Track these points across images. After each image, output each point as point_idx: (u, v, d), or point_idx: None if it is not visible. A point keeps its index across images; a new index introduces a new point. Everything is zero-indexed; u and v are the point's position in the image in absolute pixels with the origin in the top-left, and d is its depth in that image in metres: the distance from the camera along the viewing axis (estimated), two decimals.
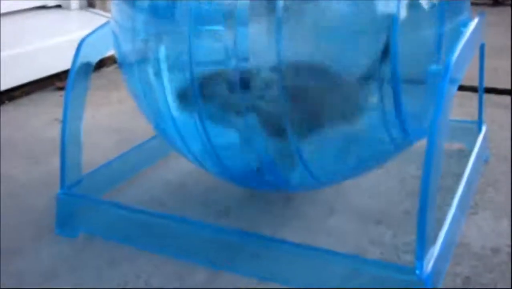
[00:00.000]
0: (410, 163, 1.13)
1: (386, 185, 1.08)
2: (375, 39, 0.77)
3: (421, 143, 0.92)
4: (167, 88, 0.85)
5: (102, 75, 1.83)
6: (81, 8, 1.93)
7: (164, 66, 0.85)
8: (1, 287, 0.85)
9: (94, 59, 1.01)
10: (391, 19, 0.76)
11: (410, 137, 0.89)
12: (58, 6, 1.93)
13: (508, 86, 1.54)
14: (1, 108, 1.59)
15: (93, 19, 1.86)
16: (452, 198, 0.92)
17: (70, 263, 0.90)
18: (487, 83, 1.17)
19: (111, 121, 1.46)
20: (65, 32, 1.76)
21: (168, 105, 0.85)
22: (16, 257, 0.91)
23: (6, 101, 1.61)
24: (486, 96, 1.20)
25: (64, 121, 0.97)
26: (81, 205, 0.97)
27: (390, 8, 0.76)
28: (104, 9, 1.95)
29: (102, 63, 1.88)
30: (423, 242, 0.74)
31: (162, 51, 0.86)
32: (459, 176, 1.00)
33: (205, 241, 0.88)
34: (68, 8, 1.91)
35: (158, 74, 0.85)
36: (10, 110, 1.58)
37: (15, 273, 0.88)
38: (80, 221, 0.97)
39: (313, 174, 0.87)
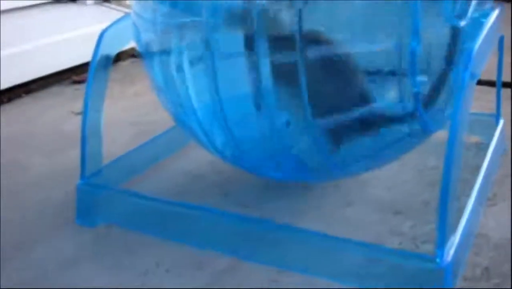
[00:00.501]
0: (427, 155, 1.12)
1: (403, 176, 1.08)
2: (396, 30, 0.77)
3: (437, 136, 0.93)
4: (189, 79, 0.85)
5: (118, 69, 1.83)
6: (96, 2, 1.94)
7: (186, 57, 0.86)
8: (24, 275, 0.86)
9: (114, 51, 1.01)
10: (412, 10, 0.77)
11: (429, 129, 0.89)
12: (73, 0, 1.94)
13: None
14: (18, 101, 1.60)
15: (108, 13, 1.87)
16: (470, 190, 0.92)
17: (90, 251, 0.91)
18: (504, 77, 1.16)
19: (128, 114, 1.46)
20: (81, 26, 1.77)
21: (190, 97, 0.86)
22: (37, 246, 0.92)
23: (23, 94, 1.62)
24: (502, 90, 1.19)
25: (84, 112, 0.98)
26: (101, 195, 0.98)
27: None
28: (119, 3, 1.96)
29: (118, 57, 1.89)
30: (443, 230, 0.74)
31: (184, 41, 0.86)
32: (477, 168, 1.00)
33: (225, 229, 0.89)
34: (83, 2, 1.92)
35: (179, 65, 0.86)
36: (27, 103, 1.59)
37: (37, 261, 0.89)
38: (100, 211, 0.98)
39: (335, 163, 0.88)
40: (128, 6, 1.98)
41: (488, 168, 1.00)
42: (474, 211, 0.89)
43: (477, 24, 0.82)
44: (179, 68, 0.86)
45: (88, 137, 0.98)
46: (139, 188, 1.05)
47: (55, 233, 0.96)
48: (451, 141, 0.74)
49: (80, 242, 0.93)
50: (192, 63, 0.85)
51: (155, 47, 0.92)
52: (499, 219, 0.96)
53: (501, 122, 1.15)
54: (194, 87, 0.85)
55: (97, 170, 1.00)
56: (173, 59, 0.88)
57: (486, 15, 0.86)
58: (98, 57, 0.99)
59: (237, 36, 0.82)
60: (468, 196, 0.91)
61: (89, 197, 0.98)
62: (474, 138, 1.20)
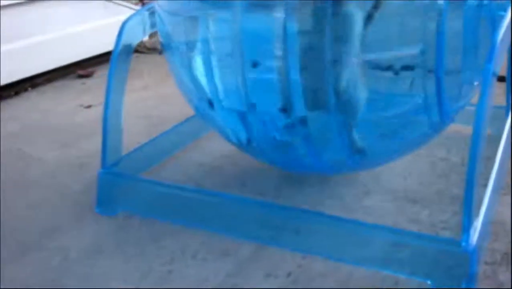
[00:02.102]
0: (438, 147, 1.15)
1: (417, 167, 1.10)
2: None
3: (448, 128, 0.95)
4: (215, 71, 0.86)
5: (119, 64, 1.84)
6: None
7: (211, 47, 0.87)
8: (48, 263, 0.86)
9: (134, 42, 1.02)
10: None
11: (447, 120, 0.90)
12: None
13: None
14: (25, 95, 1.60)
15: (114, 8, 1.88)
16: (486, 179, 0.94)
17: (114, 239, 0.92)
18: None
19: (138, 108, 1.47)
20: (86, 20, 1.78)
21: (217, 88, 0.87)
22: (59, 234, 0.93)
23: (29, 88, 1.62)
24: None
25: (106, 102, 0.98)
26: (123, 184, 0.98)
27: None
28: None
29: None
30: (469, 214, 0.76)
31: (210, 32, 0.87)
32: (489, 159, 1.02)
33: (248, 216, 0.90)
34: None
35: (206, 58, 0.87)
36: (34, 96, 1.59)
37: (60, 248, 0.89)
38: (120, 199, 0.98)
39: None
40: (131, 1, 1.99)
41: (501, 159, 1.02)
42: (491, 199, 0.91)
43: (496, 16, 0.84)
44: (206, 61, 0.87)
45: (109, 127, 0.98)
46: (157, 178, 1.06)
47: (76, 222, 0.97)
48: (477, 131, 0.76)
49: (102, 230, 0.94)
50: (219, 57, 0.86)
51: (179, 39, 0.92)
52: None
53: (511, 114, 1.17)
54: (221, 81, 0.86)
55: (117, 160, 1.00)
56: (199, 52, 0.89)
57: (504, 7, 0.87)
58: (119, 48, 0.99)
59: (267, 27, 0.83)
60: (484, 185, 0.92)
61: (110, 185, 0.99)
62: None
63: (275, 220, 0.88)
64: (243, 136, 0.90)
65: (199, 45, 0.87)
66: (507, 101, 1.16)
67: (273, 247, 0.87)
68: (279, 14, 0.79)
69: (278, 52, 0.80)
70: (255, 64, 0.82)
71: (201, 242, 0.89)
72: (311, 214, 0.89)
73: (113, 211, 0.98)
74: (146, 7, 1.04)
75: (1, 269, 0.85)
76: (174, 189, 0.95)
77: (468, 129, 1.10)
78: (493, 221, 0.93)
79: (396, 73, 0.83)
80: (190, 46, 0.90)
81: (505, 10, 0.87)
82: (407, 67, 0.83)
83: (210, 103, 0.89)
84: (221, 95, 0.87)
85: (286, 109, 0.83)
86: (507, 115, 1.16)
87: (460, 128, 1.04)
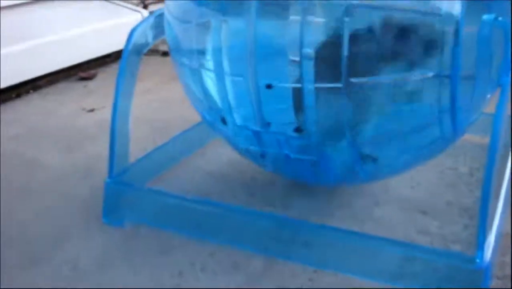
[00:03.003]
0: (446, 156, 1.14)
1: (425, 177, 1.10)
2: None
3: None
4: (229, 88, 0.85)
5: None
6: None
7: (221, 55, 0.86)
8: (58, 274, 0.85)
9: (143, 49, 1.01)
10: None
11: (460, 133, 0.90)
12: None
13: None
14: (26, 97, 1.59)
15: (114, 10, 1.87)
16: (497, 191, 0.94)
17: (122, 251, 0.91)
18: None
19: (140, 112, 1.45)
20: (86, 22, 1.77)
21: (227, 96, 0.86)
22: (67, 244, 0.92)
23: (31, 91, 1.61)
24: None
25: (114, 110, 0.97)
26: (130, 194, 0.97)
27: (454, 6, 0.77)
28: None
29: (121, 55, 1.88)
30: (484, 231, 0.75)
31: (222, 42, 0.86)
32: (499, 169, 1.02)
33: (256, 228, 0.89)
34: None
35: (217, 62, 0.86)
36: (35, 99, 1.58)
37: (69, 259, 0.89)
38: (127, 210, 0.98)
39: (366, 168, 0.89)
40: (132, 2, 1.98)
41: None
42: (502, 212, 0.90)
43: (505, 26, 0.84)
44: (219, 78, 0.86)
45: (116, 136, 0.97)
46: (164, 187, 1.04)
47: (83, 231, 0.96)
48: (493, 146, 0.75)
49: (109, 241, 0.93)
50: (231, 63, 0.85)
51: (187, 43, 0.91)
52: None
53: None
54: (234, 98, 0.85)
55: (124, 169, 0.99)
56: (208, 59, 0.88)
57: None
58: (127, 56, 0.98)
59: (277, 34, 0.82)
60: (496, 197, 0.92)
61: (117, 195, 0.98)
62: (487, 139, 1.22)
63: (285, 233, 0.87)
64: (256, 151, 0.90)
65: (210, 60, 0.86)
66: None
67: (283, 260, 0.86)
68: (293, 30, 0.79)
69: (293, 72, 0.79)
70: (269, 86, 0.81)
71: (210, 254, 0.89)
72: (321, 228, 0.88)
73: (120, 221, 0.97)
74: (156, 13, 1.03)
75: (12, 279, 0.84)
76: (182, 200, 0.94)
77: (474, 138, 1.11)
78: (504, 233, 0.92)
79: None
80: (201, 60, 0.88)
81: None
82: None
83: (223, 120, 0.88)
84: (235, 112, 0.86)
85: (300, 130, 0.83)
86: None
87: (467, 137, 1.03)
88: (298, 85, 0.79)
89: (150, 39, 1.04)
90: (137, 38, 0.99)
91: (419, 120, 0.87)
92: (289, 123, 0.84)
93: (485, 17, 0.82)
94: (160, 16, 1.01)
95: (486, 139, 1.20)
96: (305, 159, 0.86)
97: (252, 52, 0.81)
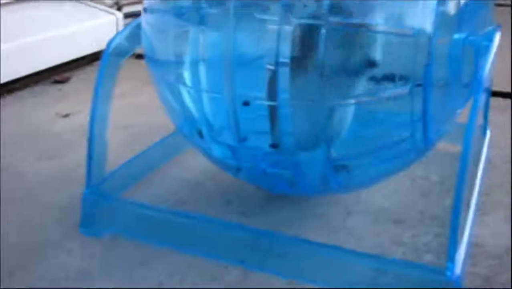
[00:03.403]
0: (417, 165, 1.15)
1: (397, 186, 1.12)
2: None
3: None
4: (206, 103, 0.86)
5: (97, 69, 1.82)
6: None
7: (199, 69, 0.87)
8: (36, 287, 0.86)
9: (122, 59, 1.01)
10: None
11: (431, 144, 0.92)
12: None
13: (501, 88, 1.59)
14: (1, 101, 1.58)
15: (88, 12, 1.86)
16: (467, 201, 0.96)
17: (101, 262, 0.92)
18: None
19: (117, 116, 1.43)
20: (60, 24, 1.76)
21: (204, 110, 0.87)
22: (45, 256, 0.93)
23: (5, 94, 1.60)
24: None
25: (91, 123, 0.98)
26: (107, 205, 0.98)
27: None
28: (98, 1, 1.94)
29: (95, 57, 1.88)
30: (455, 244, 0.78)
31: (196, 52, 0.87)
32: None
33: (232, 240, 0.91)
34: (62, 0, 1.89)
35: (194, 77, 0.87)
36: (10, 103, 1.57)
37: (47, 271, 0.89)
38: (105, 221, 0.98)
39: (339, 179, 0.91)
40: (106, 4, 1.97)
41: (481, 180, 1.05)
42: (472, 222, 0.93)
43: (482, 47, 0.86)
44: (194, 84, 0.87)
45: (94, 147, 0.98)
46: (141, 197, 1.06)
47: (61, 243, 0.96)
48: (464, 157, 0.78)
49: (88, 252, 0.94)
50: (208, 78, 0.86)
51: (166, 60, 0.92)
52: (492, 228, 1.00)
53: (488, 133, 1.20)
54: (211, 113, 0.87)
55: (101, 179, 1.00)
56: (185, 71, 0.89)
57: (488, 37, 0.89)
58: (105, 67, 0.98)
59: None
60: (467, 206, 0.95)
61: (95, 206, 0.98)
62: (459, 147, 1.25)
63: (260, 244, 0.89)
64: (232, 164, 0.91)
65: (187, 72, 0.87)
66: (484, 119, 1.19)
67: (260, 272, 0.88)
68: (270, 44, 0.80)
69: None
70: (246, 103, 0.82)
71: (189, 265, 0.90)
72: (296, 240, 0.90)
73: (98, 232, 0.98)
74: (134, 22, 1.03)
75: None
76: (159, 212, 0.96)
77: (445, 147, 1.13)
78: (473, 243, 0.95)
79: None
80: (178, 71, 0.89)
81: (489, 40, 0.89)
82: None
83: (199, 133, 0.89)
84: (211, 127, 0.88)
85: (276, 145, 0.84)
86: (484, 134, 1.19)
87: (437, 145, 1.06)
88: (274, 103, 0.80)
89: (130, 50, 1.04)
90: (116, 45, 0.99)
91: (391, 132, 0.89)
92: (265, 138, 0.86)
93: (456, 36, 0.84)
94: (138, 25, 1.02)
95: (456, 148, 1.23)
96: (281, 172, 0.88)
97: (229, 67, 0.82)
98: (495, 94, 1.56)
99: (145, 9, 0.95)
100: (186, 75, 0.88)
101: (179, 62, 0.90)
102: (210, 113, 0.87)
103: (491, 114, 1.42)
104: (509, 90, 1.61)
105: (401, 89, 0.80)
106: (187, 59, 0.88)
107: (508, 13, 2.52)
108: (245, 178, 0.96)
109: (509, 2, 2.69)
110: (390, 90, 0.81)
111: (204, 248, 0.92)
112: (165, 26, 0.91)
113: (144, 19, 0.96)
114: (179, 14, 0.88)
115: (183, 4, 0.88)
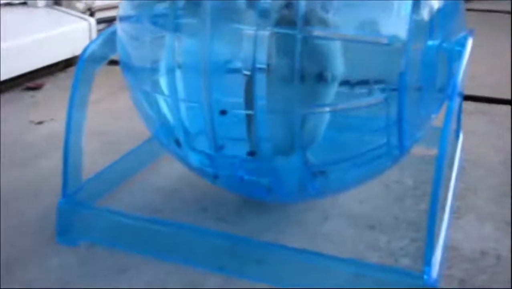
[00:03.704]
0: (391, 169, 1.17)
1: (372, 190, 1.13)
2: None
3: None
4: (182, 112, 0.86)
5: (70, 76, 1.81)
6: (47, 5, 1.90)
7: (175, 77, 0.87)
8: None
9: (97, 66, 1.01)
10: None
11: (406, 150, 0.93)
12: (24, 3, 1.90)
13: (472, 92, 1.62)
14: None
15: (61, 17, 1.84)
16: (442, 204, 0.98)
17: (78, 272, 0.91)
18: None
19: (91, 123, 1.43)
20: (32, 30, 1.74)
21: (184, 128, 0.87)
22: (21, 267, 0.91)
23: None
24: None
25: (67, 130, 0.97)
26: (83, 214, 0.97)
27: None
28: (71, 6, 1.93)
29: (69, 63, 1.86)
30: (431, 247, 0.79)
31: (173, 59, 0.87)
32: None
33: (210, 247, 0.91)
34: (34, 5, 1.88)
35: (170, 85, 0.87)
36: None
37: (24, 284, 0.88)
38: (81, 229, 0.97)
39: (316, 185, 0.91)
40: (79, 10, 1.96)
41: (455, 183, 1.07)
42: (448, 225, 0.95)
43: (455, 53, 0.88)
44: (170, 92, 0.87)
45: (69, 155, 0.97)
46: (116, 204, 1.05)
47: (36, 253, 0.95)
48: (439, 163, 0.79)
49: (65, 262, 0.93)
50: (185, 87, 0.86)
51: (142, 68, 0.92)
52: (466, 231, 1.02)
53: (461, 137, 1.21)
54: (188, 121, 0.87)
55: (77, 188, 0.99)
56: (161, 79, 0.89)
57: (461, 43, 0.91)
58: (81, 72, 0.97)
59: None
60: (442, 210, 0.96)
61: (71, 215, 0.98)
62: (435, 151, 1.26)
63: (238, 251, 0.89)
64: (209, 172, 0.91)
65: (163, 80, 0.87)
66: (458, 124, 1.21)
67: (240, 279, 0.88)
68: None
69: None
70: (223, 112, 0.83)
71: (168, 273, 0.90)
72: (274, 246, 0.90)
73: (75, 241, 0.97)
74: (110, 28, 1.02)
75: None
76: (136, 220, 0.95)
77: (419, 150, 1.15)
78: (449, 246, 0.97)
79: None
80: (154, 77, 0.89)
81: (462, 46, 0.90)
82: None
83: (176, 141, 0.89)
84: (188, 135, 0.88)
85: (253, 153, 0.85)
86: (457, 138, 1.21)
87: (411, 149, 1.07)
88: (251, 112, 0.81)
89: (104, 58, 1.03)
90: (91, 51, 0.98)
91: (367, 137, 0.90)
92: (242, 145, 0.86)
93: (430, 42, 0.86)
94: (113, 33, 1.01)
95: (430, 152, 1.25)
96: (259, 179, 0.88)
97: (206, 75, 0.82)
98: (468, 98, 1.59)
99: (120, 16, 0.95)
100: (162, 82, 0.88)
101: (154, 70, 0.89)
102: (187, 120, 0.87)
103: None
104: (479, 94, 1.64)
105: (376, 98, 0.81)
106: (163, 66, 0.88)
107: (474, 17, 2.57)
108: (222, 185, 0.96)
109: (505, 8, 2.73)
110: (365, 98, 0.82)
111: (182, 255, 0.92)
112: (140, 33, 0.91)
113: (119, 26, 0.95)
114: (155, 21, 0.87)
115: (159, 11, 0.87)
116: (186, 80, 0.85)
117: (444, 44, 0.86)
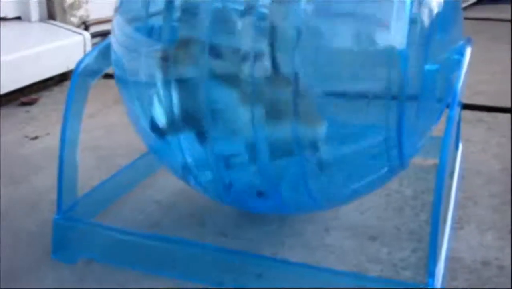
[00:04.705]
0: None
1: (372, 201, 1.12)
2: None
3: None
4: (175, 105, 0.85)
5: (65, 90, 1.80)
6: (41, 19, 1.89)
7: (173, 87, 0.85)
8: None
9: (91, 80, 1.00)
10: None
11: (406, 163, 0.92)
12: (18, 18, 1.89)
13: (471, 101, 1.61)
14: None
15: (55, 32, 1.83)
16: (444, 215, 0.96)
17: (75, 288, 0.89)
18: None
19: (84, 138, 1.42)
20: (27, 45, 1.73)
21: (175, 124, 0.86)
22: (17, 284, 0.90)
23: None
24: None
25: (61, 146, 0.96)
26: (79, 230, 0.96)
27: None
28: (65, 20, 1.92)
29: (63, 77, 1.85)
30: (435, 259, 0.78)
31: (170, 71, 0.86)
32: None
33: (210, 262, 0.90)
34: (28, 20, 1.87)
35: (167, 95, 0.86)
36: None
37: None
38: (78, 246, 0.96)
39: (314, 196, 0.90)
40: (73, 24, 1.95)
41: (456, 192, 1.06)
42: (449, 236, 0.94)
43: (453, 62, 0.87)
44: (166, 98, 0.86)
45: (64, 170, 0.96)
46: (113, 220, 1.04)
47: (33, 270, 0.93)
48: (441, 174, 0.78)
49: (61, 279, 0.91)
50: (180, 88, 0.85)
51: (135, 74, 0.91)
52: (468, 242, 1.00)
53: (460, 145, 1.20)
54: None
55: (72, 204, 0.98)
56: (158, 88, 0.88)
57: (459, 51, 0.90)
58: (76, 86, 0.96)
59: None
60: (443, 221, 0.95)
61: (67, 231, 0.96)
62: (432, 161, 1.26)
63: (238, 265, 0.88)
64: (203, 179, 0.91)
65: (160, 96, 0.86)
66: (457, 133, 1.20)
67: None
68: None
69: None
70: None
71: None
72: (275, 261, 0.89)
73: (71, 257, 0.95)
74: (104, 42, 1.01)
75: None
76: (133, 235, 0.94)
77: (417, 160, 1.14)
78: (450, 257, 0.95)
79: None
80: (151, 95, 0.88)
81: (461, 54, 0.89)
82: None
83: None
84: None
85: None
86: (457, 147, 1.20)
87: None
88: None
89: (99, 71, 1.02)
90: (85, 65, 0.97)
91: (366, 149, 0.88)
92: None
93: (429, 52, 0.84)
94: (108, 46, 1.00)
95: (428, 162, 1.24)
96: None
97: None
98: (467, 107, 1.58)
99: (114, 29, 0.93)
100: (158, 97, 0.87)
101: (151, 84, 0.88)
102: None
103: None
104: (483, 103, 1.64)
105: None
106: (159, 80, 0.87)
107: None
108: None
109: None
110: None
111: (180, 271, 0.90)
112: (135, 46, 0.89)
113: (113, 39, 0.94)
114: (151, 33, 0.86)
115: (155, 23, 0.86)
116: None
117: (444, 54, 0.85)
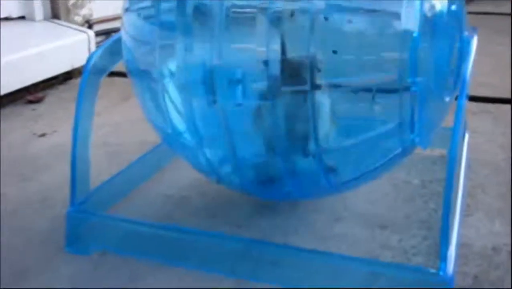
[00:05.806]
0: (398, 169, 1.17)
1: (381, 190, 1.13)
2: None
3: None
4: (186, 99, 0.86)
5: (70, 88, 1.81)
6: (45, 19, 1.90)
7: (180, 77, 0.86)
8: None
9: (102, 74, 1.01)
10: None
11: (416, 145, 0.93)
12: (22, 17, 1.90)
13: (476, 93, 1.62)
14: None
15: (59, 30, 1.84)
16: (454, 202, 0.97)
17: (91, 280, 0.90)
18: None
19: (93, 135, 1.44)
20: (31, 44, 1.74)
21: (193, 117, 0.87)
22: (31, 278, 0.91)
23: None
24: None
25: (74, 139, 0.97)
26: (93, 222, 0.97)
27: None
28: (69, 19, 1.93)
29: (68, 75, 1.86)
30: (446, 243, 0.79)
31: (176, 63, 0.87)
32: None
33: (222, 251, 0.90)
34: (32, 19, 1.88)
35: (181, 86, 0.87)
36: None
37: None
38: (91, 238, 0.97)
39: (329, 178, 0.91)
40: (77, 23, 1.96)
41: (464, 180, 1.07)
42: (459, 222, 0.94)
43: (461, 51, 0.88)
44: (181, 89, 0.86)
45: (77, 164, 0.97)
46: (126, 213, 1.05)
47: (47, 263, 0.94)
48: (452, 160, 0.79)
49: (76, 271, 0.92)
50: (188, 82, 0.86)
51: (145, 66, 0.92)
52: (477, 228, 1.01)
53: (467, 136, 1.21)
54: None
55: (85, 197, 0.99)
56: (164, 79, 0.89)
57: (467, 42, 0.91)
58: (86, 82, 0.97)
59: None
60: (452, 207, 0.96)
61: (80, 224, 0.97)
62: (438, 151, 1.27)
63: (252, 254, 0.89)
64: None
65: (174, 88, 0.87)
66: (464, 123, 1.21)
67: (253, 282, 0.88)
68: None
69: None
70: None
71: (180, 279, 0.89)
72: (288, 248, 0.90)
73: (85, 250, 0.96)
74: (113, 38, 1.02)
75: None
76: (147, 226, 0.95)
77: (422, 151, 1.14)
78: (461, 243, 0.96)
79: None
80: (164, 87, 0.89)
81: (468, 43, 0.91)
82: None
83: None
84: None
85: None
86: (463, 137, 1.21)
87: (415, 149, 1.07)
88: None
89: (110, 64, 1.03)
90: (95, 61, 0.98)
91: (379, 130, 0.89)
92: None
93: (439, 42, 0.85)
94: (115, 42, 1.01)
95: (434, 152, 1.26)
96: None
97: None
98: (472, 99, 1.59)
99: (123, 22, 0.95)
100: (172, 89, 0.88)
101: (164, 75, 0.89)
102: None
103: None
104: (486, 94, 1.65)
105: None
106: (172, 72, 0.88)
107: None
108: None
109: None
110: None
111: (194, 261, 0.91)
112: (148, 38, 0.90)
113: (124, 31, 0.95)
114: (164, 26, 0.87)
115: (167, 16, 0.87)
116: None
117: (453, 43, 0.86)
